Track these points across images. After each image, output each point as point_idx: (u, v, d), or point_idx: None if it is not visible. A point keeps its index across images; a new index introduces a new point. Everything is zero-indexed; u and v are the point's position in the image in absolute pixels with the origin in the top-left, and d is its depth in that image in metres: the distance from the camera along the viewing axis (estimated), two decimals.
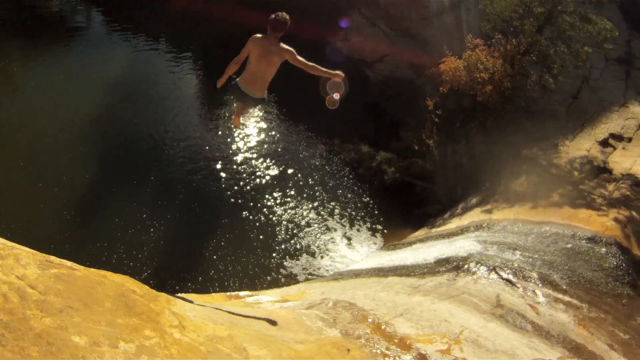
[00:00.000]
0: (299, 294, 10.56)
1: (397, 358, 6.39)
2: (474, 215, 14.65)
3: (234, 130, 16.91)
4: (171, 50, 20.74)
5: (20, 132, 14.63)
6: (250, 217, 14.61)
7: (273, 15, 6.05)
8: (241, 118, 8.05)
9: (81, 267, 4.19)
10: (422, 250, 13.25)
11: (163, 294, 5.12)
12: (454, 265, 11.33)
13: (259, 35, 6.21)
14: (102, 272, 4.37)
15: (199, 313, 5.23)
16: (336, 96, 7.04)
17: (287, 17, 6.08)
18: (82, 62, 18.31)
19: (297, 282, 12.94)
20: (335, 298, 9.22)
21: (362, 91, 19.92)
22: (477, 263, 11.09)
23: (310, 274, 13.39)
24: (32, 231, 12.08)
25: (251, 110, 16.54)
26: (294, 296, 10.38)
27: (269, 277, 12.93)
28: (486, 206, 14.80)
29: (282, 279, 13.00)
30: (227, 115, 17.59)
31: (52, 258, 3.98)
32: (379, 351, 6.48)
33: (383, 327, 7.51)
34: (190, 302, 5.81)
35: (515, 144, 15.81)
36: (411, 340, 7.11)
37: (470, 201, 15.49)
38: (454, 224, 14.75)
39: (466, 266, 11.09)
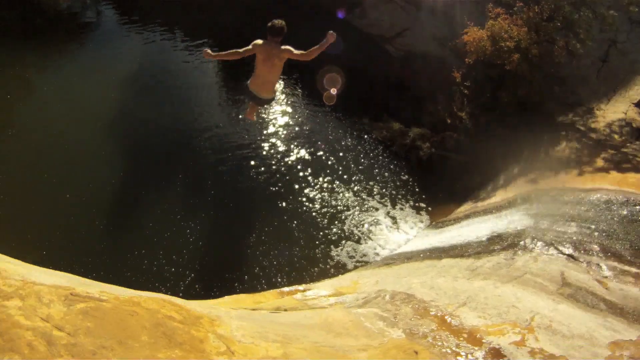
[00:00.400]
0: (352, 285, 10.30)
1: (469, 356, 6.04)
2: (519, 186, 14.05)
3: (257, 118, 16.57)
4: (185, 40, 20.39)
5: (42, 140, 14.58)
6: (287, 206, 14.43)
7: (270, 24, 6.57)
8: (255, 114, 8.40)
9: (110, 296, 3.92)
10: (472, 227, 12.80)
11: (204, 314, 4.84)
12: (509, 243, 10.86)
13: (259, 41, 6.71)
14: (134, 298, 4.10)
15: (248, 330, 4.96)
16: (333, 91, 7.46)
17: (283, 23, 6.60)
18: (96, 58, 18.18)
19: (347, 270, 12.69)
20: (391, 289, 8.92)
21: (385, 68, 19.43)
22: (532, 239, 10.59)
23: (358, 260, 13.13)
24: (64, 245, 12.13)
25: (265, 107, 16.19)
26: (348, 288, 10.12)
27: (316, 268, 12.73)
28: (529, 175, 14.17)
29: (331, 270, 12.78)
30: (247, 101, 17.21)
31: (78, 290, 3.72)
32: (448, 350, 6.16)
33: (448, 319, 7.17)
34: (239, 315, 5.53)
35: (549, 111, 15.13)
36: (481, 332, 6.75)
37: (512, 171, 14.87)
38: (498, 196, 14.20)
39: (522, 242, 10.60)
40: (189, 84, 18.17)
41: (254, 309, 9.19)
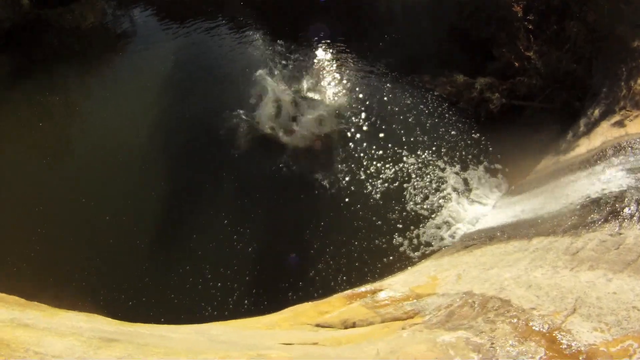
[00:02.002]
0: (430, 283, 9.21)
1: None
2: (604, 132, 12.23)
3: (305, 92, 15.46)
4: (229, 27, 19.09)
5: (86, 162, 14.26)
6: (341, 192, 13.37)
7: None
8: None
9: None
10: (559, 190, 11.31)
11: None
12: (609, 210, 9.35)
13: None
14: None
15: None
16: None
17: None
18: (138, 67, 17.42)
19: (421, 257, 11.60)
20: (480, 291, 7.79)
21: (437, 15, 17.71)
22: (639, 203, 8.99)
23: (431, 243, 12.06)
24: (106, 267, 11.86)
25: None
26: (425, 287, 9.05)
27: (385, 260, 11.76)
28: (614, 117, 12.30)
29: (402, 258, 11.77)
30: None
31: None
32: None
33: (559, 338, 5.98)
34: None
35: (622, 36, 13.08)
36: (600, 357, 5.51)
37: (593, 114, 13.02)
38: (582, 146, 12.46)
39: (626, 209, 9.10)
40: (236, 72, 16.97)
41: (317, 325, 8.36)
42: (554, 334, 6.05)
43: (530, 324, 6.36)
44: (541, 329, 6.20)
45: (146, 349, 5.83)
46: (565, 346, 5.80)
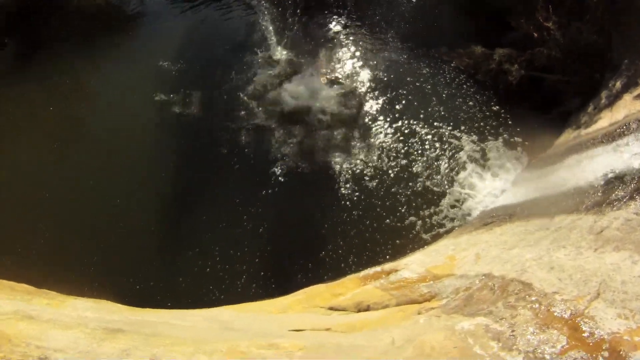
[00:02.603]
0: (448, 264, 9.07)
1: None
2: (628, 105, 11.78)
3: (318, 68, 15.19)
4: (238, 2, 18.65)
5: (92, 148, 14.06)
6: (355, 167, 13.16)
7: None
8: None
9: None
10: (581, 165, 10.98)
11: None
12: (635, 187, 9.03)
13: None
14: None
15: None
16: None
17: None
18: (147, 47, 16.99)
19: (438, 234, 11.38)
20: (500, 272, 7.60)
21: None
22: None
23: (449, 218, 11.90)
24: (114, 251, 11.76)
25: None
26: (442, 267, 8.91)
27: (398, 239, 11.60)
28: (637, 90, 11.82)
29: (420, 235, 11.57)
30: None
31: None
32: None
33: (581, 325, 5.79)
34: None
35: None
36: (624, 347, 5.35)
37: (614, 86, 12.55)
38: (605, 119, 12.05)
39: None
40: (247, 59, 16.61)
41: (330, 308, 8.31)
42: (576, 321, 5.90)
43: (552, 309, 6.21)
44: (563, 315, 6.04)
45: (152, 339, 5.80)
46: (588, 334, 5.65)
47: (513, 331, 5.77)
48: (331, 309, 8.37)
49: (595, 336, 5.59)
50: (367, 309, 8.08)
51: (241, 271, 11.31)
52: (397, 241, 11.55)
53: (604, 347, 5.42)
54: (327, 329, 6.94)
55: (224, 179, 13.11)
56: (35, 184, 12.91)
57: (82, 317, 7.08)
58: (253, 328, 7.32)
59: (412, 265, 9.47)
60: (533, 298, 6.54)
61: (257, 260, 11.47)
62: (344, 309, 8.27)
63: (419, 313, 7.11)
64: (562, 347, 5.44)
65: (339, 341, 6.21)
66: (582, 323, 5.85)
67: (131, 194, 12.79)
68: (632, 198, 8.85)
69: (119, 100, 15.10)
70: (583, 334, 5.67)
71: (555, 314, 6.12)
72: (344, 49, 16.25)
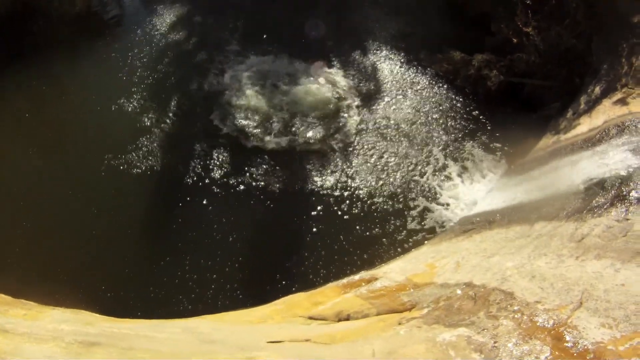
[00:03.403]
0: (428, 272, 9.00)
1: None
2: (607, 110, 11.95)
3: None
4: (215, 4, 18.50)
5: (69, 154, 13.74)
6: (335, 175, 13.07)
7: None
8: None
9: None
10: (561, 171, 11.08)
11: None
12: (615, 194, 9.13)
13: None
14: None
15: None
16: None
17: None
18: (128, 52, 16.72)
19: (419, 241, 11.30)
20: (481, 282, 7.56)
21: None
22: None
23: (428, 224, 11.84)
24: (90, 256, 11.51)
25: None
26: (423, 276, 8.83)
27: (381, 244, 11.54)
28: (615, 95, 12.02)
29: (399, 241, 11.57)
30: None
31: None
32: None
33: (565, 335, 5.73)
34: None
35: (622, 12, 12.79)
36: (608, 356, 5.30)
37: (593, 91, 12.74)
38: (584, 125, 12.19)
39: (632, 193, 8.90)
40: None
41: (310, 317, 8.15)
42: (560, 331, 5.85)
43: (535, 319, 6.16)
44: (546, 325, 5.99)
45: (130, 353, 5.61)
46: (572, 344, 5.59)
47: (495, 342, 5.69)
48: (311, 318, 8.23)
49: (579, 346, 5.54)
50: (348, 318, 7.95)
51: (220, 280, 11.12)
52: (376, 248, 11.50)
53: (588, 358, 5.36)
54: (307, 340, 6.79)
55: (203, 187, 12.89)
56: (14, 190, 12.61)
57: (58, 330, 6.82)
58: (232, 340, 7.14)
59: (391, 274, 9.37)
60: (515, 308, 6.48)
61: (236, 269, 11.31)
62: (324, 319, 8.13)
63: (400, 323, 6.99)
64: (546, 357, 5.38)
65: (319, 353, 6.07)
66: (565, 333, 5.80)
67: (111, 201, 12.55)
68: (612, 205, 8.90)
69: (99, 106, 14.84)
70: (567, 344, 5.61)
71: (538, 323, 6.06)
72: (320, 54, 16.12)
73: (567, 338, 5.70)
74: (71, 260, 11.36)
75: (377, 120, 14.28)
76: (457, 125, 13.88)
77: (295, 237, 12.00)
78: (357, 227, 11.91)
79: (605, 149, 10.52)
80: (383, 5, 17.55)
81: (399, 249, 11.43)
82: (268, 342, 6.59)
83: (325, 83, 15.04)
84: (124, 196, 12.66)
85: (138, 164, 13.27)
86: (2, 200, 12.39)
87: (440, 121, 14.03)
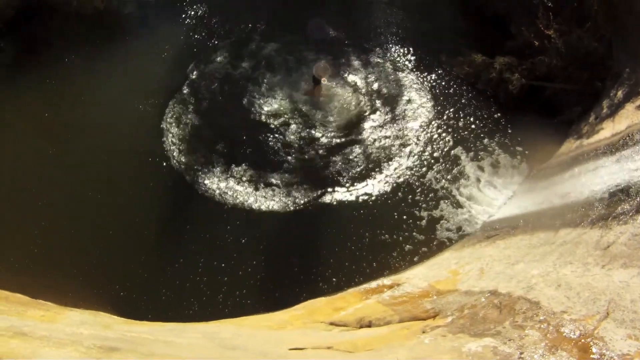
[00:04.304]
0: (451, 278, 9.04)
1: None
2: (630, 115, 11.81)
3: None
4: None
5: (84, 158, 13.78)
6: (356, 180, 13.11)
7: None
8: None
9: None
10: (584, 177, 10.99)
11: None
12: None
13: None
14: None
15: None
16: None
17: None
18: (145, 51, 16.66)
19: (441, 246, 11.34)
20: (506, 290, 7.59)
21: None
22: None
23: (451, 230, 11.87)
24: (121, 260, 11.63)
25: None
26: (446, 283, 8.87)
27: (402, 249, 11.59)
28: (638, 100, 11.88)
29: (422, 247, 11.54)
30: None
31: None
32: None
33: (592, 347, 5.76)
34: None
35: None
36: None
37: (616, 95, 12.60)
38: (607, 130, 12.08)
39: None
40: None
41: (331, 323, 8.23)
42: (586, 342, 5.87)
43: (561, 329, 6.18)
44: (572, 336, 6.02)
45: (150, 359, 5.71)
46: (598, 356, 5.62)
47: (522, 353, 5.74)
48: (332, 324, 8.31)
49: (606, 358, 5.57)
50: (369, 325, 8.02)
51: (240, 284, 11.22)
52: (398, 253, 11.51)
53: None
54: (329, 347, 6.87)
55: (222, 189, 13.00)
56: (31, 189, 12.72)
57: (76, 333, 6.97)
58: (252, 346, 7.24)
59: (414, 280, 9.43)
60: (541, 317, 6.51)
61: (256, 273, 11.41)
62: (345, 325, 8.21)
63: (424, 332, 7.06)
64: None
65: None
66: (592, 344, 5.83)
67: (127, 201, 12.67)
68: (638, 212, 8.85)
69: (114, 107, 14.90)
70: (593, 356, 5.64)
71: (565, 334, 6.09)
72: (336, 59, 16.07)
73: (594, 350, 5.72)
74: (86, 260, 11.52)
75: (397, 122, 14.26)
76: (479, 130, 13.83)
77: (314, 240, 12.09)
78: (377, 231, 11.95)
79: (630, 155, 10.44)
80: (399, 5, 17.38)
81: (420, 255, 11.46)
82: (290, 349, 6.68)
83: (344, 85, 15.04)
84: (141, 197, 12.78)
85: (156, 165, 13.41)
86: (19, 200, 12.56)
87: (461, 124, 13.98)
